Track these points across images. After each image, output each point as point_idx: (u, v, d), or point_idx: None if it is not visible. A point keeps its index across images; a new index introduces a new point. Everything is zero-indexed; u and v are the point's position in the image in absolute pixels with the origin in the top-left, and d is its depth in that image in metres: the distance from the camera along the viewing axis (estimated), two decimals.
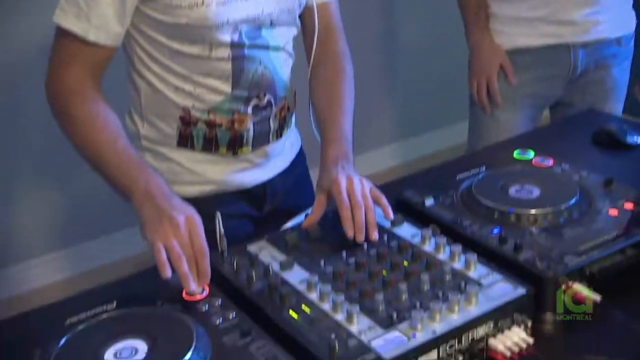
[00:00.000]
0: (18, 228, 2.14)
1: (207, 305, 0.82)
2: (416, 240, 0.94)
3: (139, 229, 0.89)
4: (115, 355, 0.74)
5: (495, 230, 0.95)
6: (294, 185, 1.25)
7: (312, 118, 1.19)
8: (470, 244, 0.92)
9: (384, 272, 0.87)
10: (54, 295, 0.96)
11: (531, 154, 1.19)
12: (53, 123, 1.01)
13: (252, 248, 0.96)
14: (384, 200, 0.99)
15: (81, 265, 2.23)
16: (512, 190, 1.04)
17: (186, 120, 1.10)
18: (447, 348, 0.77)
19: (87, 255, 2.26)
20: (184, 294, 0.84)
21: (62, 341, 0.75)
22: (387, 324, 0.77)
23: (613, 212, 0.97)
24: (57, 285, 2.15)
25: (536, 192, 1.03)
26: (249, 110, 1.11)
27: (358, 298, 0.82)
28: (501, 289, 0.82)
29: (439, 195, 1.05)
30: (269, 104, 1.14)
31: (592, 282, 0.85)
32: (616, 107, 1.67)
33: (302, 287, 0.85)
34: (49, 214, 2.19)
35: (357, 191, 0.96)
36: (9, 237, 2.14)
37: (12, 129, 2.02)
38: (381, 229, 0.97)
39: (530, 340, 0.79)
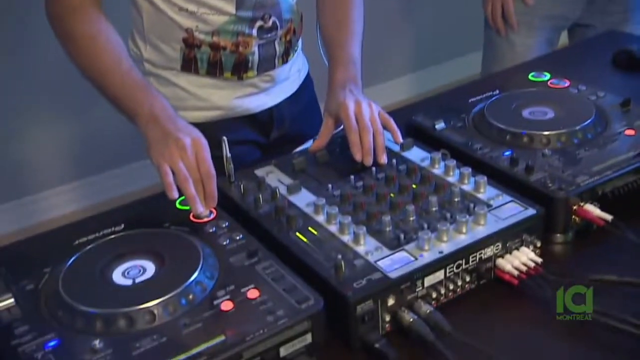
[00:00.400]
0: (32, 160, 2.17)
1: (214, 227, 0.82)
2: (425, 163, 0.93)
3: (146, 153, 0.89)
4: (123, 274, 0.74)
5: (507, 153, 0.93)
6: (302, 112, 1.23)
7: (319, 42, 1.17)
8: (481, 167, 0.91)
9: (392, 195, 0.86)
10: None
11: (547, 75, 1.16)
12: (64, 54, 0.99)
13: (260, 172, 0.95)
14: (392, 123, 0.97)
15: (95, 197, 2.26)
16: (526, 112, 1.02)
17: (190, 43, 1.08)
18: (454, 268, 0.76)
19: (101, 187, 2.29)
20: (191, 217, 0.84)
21: (71, 260, 0.76)
22: (394, 245, 0.77)
23: (629, 132, 0.94)
24: (71, 216, 2.19)
25: (550, 113, 1.01)
26: (254, 31, 1.09)
27: (365, 220, 0.82)
28: (511, 210, 0.81)
29: (450, 118, 1.03)
30: (274, 25, 1.11)
31: (604, 203, 0.84)
32: (637, 29, 1.60)
33: (309, 210, 0.85)
34: (63, 145, 2.20)
35: (366, 114, 0.95)
36: (24, 169, 2.16)
37: (25, 61, 2.00)
38: (390, 153, 0.96)
39: (539, 260, 0.79)
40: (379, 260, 0.75)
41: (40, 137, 2.14)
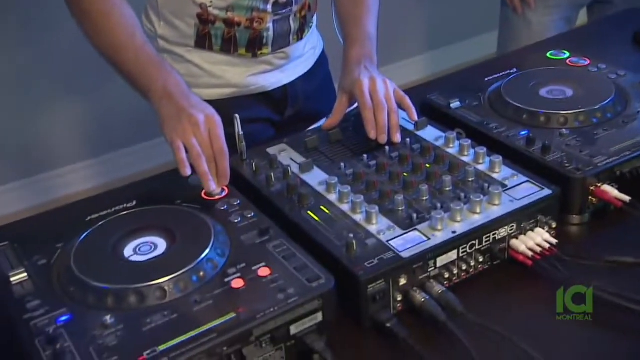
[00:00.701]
0: (47, 137, 2.18)
1: (226, 205, 0.82)
2: (440, 142, 0.92)
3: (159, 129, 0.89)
4: (134, 250, 0.74)
5: (523, 132, 0.91)
6: (316, 90, 1.23)
7: (334, 19, 1.15)
8: (497, 147, 0.89)
9: (405, 174, 0.86)
10: None
11: (565, 54, 1.13)
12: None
13: (272, 150, 0.95)
14: (407, 101, 0.96)
15: (108, 175, 2.28)
16: (543, 91, 1.00)
17: (204, 19, 1.07)
18: (467, 248, 0.76)
19: (114, 165, 2.30)
20: (203, 194, 0.84)
21: (83, 236, 0.76)
22: (407, 224, 0.77)
23: None
24: (84, 193, 2.20)
25: (569, 92, 0.99)
26: (269, 7, 1.08)
27: (378, 199, 0.81)
28: (526, 190, 0.80)
29: (466, 97, 1.02)
30: (289, 1, 1.09)
31: (622, 184, 0.83)
32: None
33: (321, 189, 0.85)
34: (78, 123, 2.21)
35: (380, 92, 0.94)
36: (38, 146, 2.18)
37: (39, 39, 2.01)
38: (404, 131, 0.95)
39: (554, 241, 0.77)
40: (391, 239, 0.75)
41: (54, 114, 2.15)
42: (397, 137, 0.92)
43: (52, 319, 0.66)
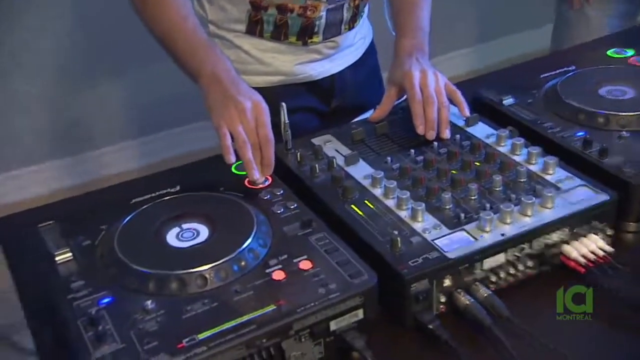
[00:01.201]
0: (91, 116, 2.20)
1: (269, 195, 0.82)
2: (491, 140, 0.91)
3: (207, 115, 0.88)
4: (177, 236, 0.75)
5: (580, 133, 0.88)
6: (364, 80, 1.22)
7: (385, 8, 1.14)
8: (551, 147, 0.87)
9: (454, 171, 0.84)
10: None
11: (628, 52, 1.08)
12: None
13: (317, 141, 0.95)
14: (459, 95, 0.94)
15: (152, 156, 2.30)
16: (603, 91, 0.96)
17: (257, 5, 1.06)
18: (516, 252, 0.73)
19: (159, 146, 2.32)
20: (246, 182, 0.84)
21: (127, 219, 0.77)
22: (454, 224, 0.75)
23: None
24: (127, 174, 2.23)
25: (630, 93, 0.94)
26: None
27: (424, 196, 0.80)
28: (581, 194, 0.77)
29: (519, 94, 0.99)
30: None
31: None
32: None
33: (366, 182, 0.84)
34: (122, 103, 2.24)
35: (431, 85, 0.93)
36: (82, 124, 2.20)
37: (84, 13, 2.03)
38: (454, 127, 0.94)
39: (610, 249, 0.74)
40: (436, 238, 0.73)
41: (100, 93, 2.17)
42: (447, 133, 0.91)
43: (95, 300, 0.66)
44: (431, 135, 0.90)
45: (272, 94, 0.99)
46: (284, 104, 0.89)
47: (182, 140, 2.31)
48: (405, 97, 0.96)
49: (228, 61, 0.92)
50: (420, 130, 0.91)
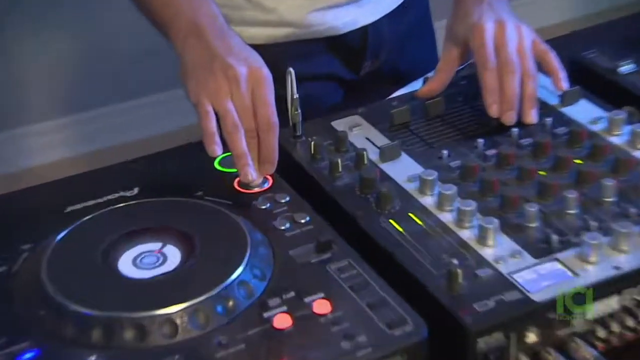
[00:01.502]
0: (11, 87, 2.23)
1: (269, 203, 0.82)
2: (599, 127, 0.91)
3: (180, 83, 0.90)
4: (134, 262, 0.75)
5: None
6: (409, 36, 1.23)
7: None
8: None
9: (542, 173, 0.85)
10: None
11: None
12: None
13: (340, 125, 0.96)
14: (553, 59, 0.95)
15: (94, 141, 2.32)
16: None
17: None
18: (637, 294, 0.73)
19: (103, 126, 2.34)
20: (236, 184, 0.85)
21: (60, 236, 0.77)
22: (542, 250, 0.76)
23: None
24: (57, 166, 2.25)
25: None
26: None
27: (498, 208, 0.81)
28: None
29: None
30: None
31: None
32: None
33: (411, 187, 0.85)
34: (50, 67, 2.27)
35: (511, 44, 0.93)
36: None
37: None
38: (543, 107, 0.95)
39: None
40: (516, 272, 0.73)
41: (13, 54, 2.20)
42: (532, 116, 0.91)
43: (11, 355, 0.66)
44: (510, 117, 0.91)
45: (275, 55, 1.01)
46: (292, 69, 0.90)
47: (139, 118, 2.33)
48: (471, 61, 0.97)
49: (215, 5, 0.92)
50: (493, 111, 0.91)
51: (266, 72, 0.86)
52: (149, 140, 2.28)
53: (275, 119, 0.85)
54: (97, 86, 2.31)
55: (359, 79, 1.21)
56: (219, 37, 0.89)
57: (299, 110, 0.91)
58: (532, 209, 0.78)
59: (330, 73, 1.19)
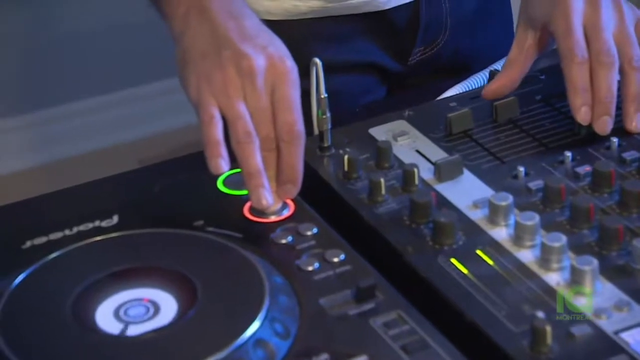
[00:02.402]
0: None
1: (290, 236, 0.83)
2: None
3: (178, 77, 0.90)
4: (116, 313, 0.75)
5: None
6: (476, 13, 1.24)
7: None
8: None
9: None
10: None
11: None
12: None
13: (380, 132, 0.97)
14: None
15: (56, 149, 2.36)
16: None
17: None
18: None
19: (66, 129, 2.38)
20: (246, 210, 0.86)
21: (18, 280, 0.77)
22: None
23: None
24: (11, 180, 2.28)
25: None
26: None
27: (595, 244, 0.81)
28: None
29: None
30: None
31: None
32: None
33: (478, 215, 0.86)
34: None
35: (607, 28, 0.94)
36: None
37: None
38: None
39: None
40: (624, 330, 0.73)
41: None
42: (638, 122, 0.92)
43: None
44: (604, 125, 0.92)
45: (296, 36, 1.03)
46: (317, 60, 0.91)
47: (117, 117, 2.34)
48: (553, 48, 0.98)
49: None
50: (582, 115, 0.92)
51: (290, 65, 0.87)
52: (131, 147, 2.31)
53: (301, 126, 0.85)
54: (62, 80, 2.35)
55: (406, 70, 1.22)
56: (231, 16, 0.89)
57: (328, 114, 0.92)
58: None
59: (369, 62, 1.20)
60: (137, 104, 2.41)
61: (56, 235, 0.82)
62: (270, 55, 0.86)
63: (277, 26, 0.92)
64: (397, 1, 1.17)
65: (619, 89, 0.94)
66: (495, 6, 1.28)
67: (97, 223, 0.83)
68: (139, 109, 2.40)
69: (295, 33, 0.96)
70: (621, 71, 0.93)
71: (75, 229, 0.83)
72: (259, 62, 0.85)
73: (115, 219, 0.84)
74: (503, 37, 1.18)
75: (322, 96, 0.91)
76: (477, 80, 1.06)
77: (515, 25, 1.02)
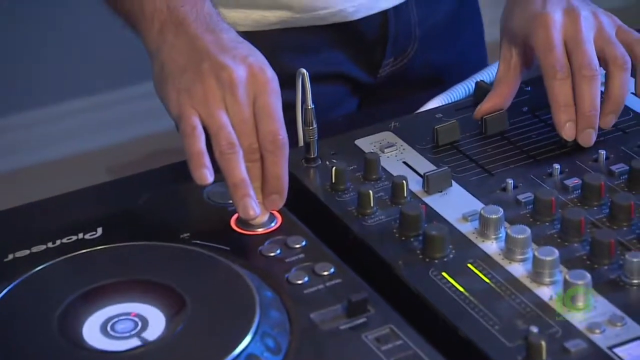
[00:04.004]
0: None
1: (278, 249, 0.82)
2: None
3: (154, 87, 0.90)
4: (103, 328, 0.74)
5: None
6: (443, 25, 1.24)
7: None
8: None
9: None
10: None
11: None
12: None
13: (367, 144, 0.96)
14: None
15: (45, 150, 2.32)
16: None
17: None
18: None
19: (43, 134, 2.36)
20: (233, 222, 0.86)
21: (1, 295, 0.76)
22: None
23: None
24: None
25: None
26: None
27: (587, 258, 0.80)
28: None
29: None
30: None
31: None
32: None
33: (468, 228, 0.85)
34: None
35: (587, 40, 0.94)
36: None
37: None
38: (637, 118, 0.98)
39: None
40: (618, 345, 0.72)
41: None
42: (608, 121, 0.93)
43: None
44: (588, 138, 0.92)
45: (265, 47, 1.00)
46: (304, 70, 0.90)
47: (96, 121, 2.33)
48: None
49: None
50: (566, 132, 0.92)
51: (271, 75, 0.87)
52: (114, 152, 2.29)
53: (284, 135, 0.85)
54: (22, 86, 2.35)
55: (377, 82, 1.22)
56: (208, 29, 0.89)
57: (315, 125, 0.91)
58: (635, 259, 0.77)
59: (339, 73, 1.20)
60: (104, 111, 2.41)
61: (39, 248, 0.81)
62: (250, 66, 0.86)
63: (245, 38, 0.92)
64: (365, 12, 1.17)
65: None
66: (465, 17, 1.28)
67: (80, 236, 0.83)
68: (107, 115, 2.39)
69: (264, 44, 0.95)
70: (607, 72, 0.93)
71: (58, 242, 0.82)
72: (239, 72, 0.85)
73: (99, 231, 0.83)
74: (474, 49, 1.18)
75: (309, 107, 0.91)
76: (459, 91, 1.05)
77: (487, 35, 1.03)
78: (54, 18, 2.31)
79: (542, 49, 0.94)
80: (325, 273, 0.78)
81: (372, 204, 0.86)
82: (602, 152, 0.91)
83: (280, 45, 1.14)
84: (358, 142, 0.95)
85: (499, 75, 0.99)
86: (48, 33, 2.32)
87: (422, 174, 0.89)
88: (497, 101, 0.97)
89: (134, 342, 0.72)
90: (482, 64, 1.03)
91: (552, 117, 0.93)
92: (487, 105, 0.97)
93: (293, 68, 0.91)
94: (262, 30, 1.14)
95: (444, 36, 1.24)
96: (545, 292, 0.77)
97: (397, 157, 0.93)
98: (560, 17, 0.95)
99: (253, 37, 0.96)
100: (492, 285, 0.78)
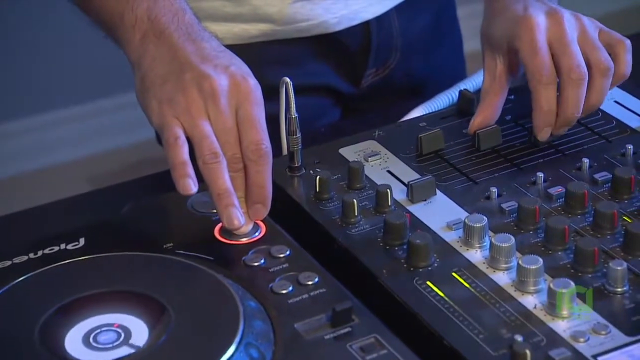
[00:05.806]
0: None
1: (262, 258, 0.82)
2: None
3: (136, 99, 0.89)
4: (85, 339, 0.74)
5: None
6: (424, 36, 1.24)
7: None
8: None
9: (628, 219, 0.86)
10: None
11: None
12: None
13: (351, 152, 0.97)
14: (626, 52, 0.96)
15: (27, 160, 2.32)
16: None
17: None
18: None
19: (32, 140, 2.35)
20: (217, 232, 0.85)
21: None
22: (636, 324, 0.75)
23: None
24: None
25: None
26: None
27: (570, 266, 0.80)
28: None
29: None
30: None
31: None
32: None
33: (452, 236, 0.85)
34: None
35: (572, 42, 0.94)
36: None
37: None
38: (622, 129, 0.97)
39: None
40: (603, 353, 0.72)
41: None
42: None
43: None
44: (558, 134, 0.94)
45: (248, 61, 1.00)
46: (288, 79, 0.90)
47: (65, 136, 2.34)
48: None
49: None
50: (542, 135, 0.93)
51: (253, 84, 0.87)
52: (95, 161, 2.29)
53: (267, 144, 0.85)
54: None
55: (360, 93, 1.22)
56: (189, 39, 0.89)
57: (299, 134, 0.91)
58: (618, 267, 0.77)
59: (322, 84, 1.20)
60: (85, 121, 2.41)
61: (21, 259, 0.81)
62: (232, 75, 0.86)
63: (231, 49, 0.92)
64: (347, 23, 1.17)
65: None
66: (445, 28, 1.28)
67: (62, 246, 0.82)
68: (88, 125, 2.39)
69: (247, 58, 0.95)
70: (589, 75, 0.93)
71: (40, 252, 0.82)
72: (221, 82, 0.85)
73: (81, 241, 0.83)
74: (454, 59, 1.18)
75: (293, 116, 0.90)
76: (442, 100, 1.05)
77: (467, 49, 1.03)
78: (33, 30, 2.30)
79: (527, 52, 0.94)
80: (310, 282, 0.78)
81: (356, 213, 0.86)
82: (586, 161, 0.91)
83: (263, 58, 1.14)
84: (342, 150, 0.95)
85: (485, 86, 0.98)
86: (27, 45, 2.32)
87: (406, 182, 0.89)
88: (487, 113, 0.97)
89: (117, 353, 0.71)
90: (461, 74, 1.03)
91: (532, 116, 0.93)
92: (479, 119, 0.97)
93: (276, 81, 0.91)
94: (244, 44, 1.14)
95: (425, 47, 1.24)
96: (529, 301, 0.77)
97: (381, 166, 0.93)
98: (544, 19, 0.95)
99: (235, 50, 0.96)
100: (477, 293, 0.78)
